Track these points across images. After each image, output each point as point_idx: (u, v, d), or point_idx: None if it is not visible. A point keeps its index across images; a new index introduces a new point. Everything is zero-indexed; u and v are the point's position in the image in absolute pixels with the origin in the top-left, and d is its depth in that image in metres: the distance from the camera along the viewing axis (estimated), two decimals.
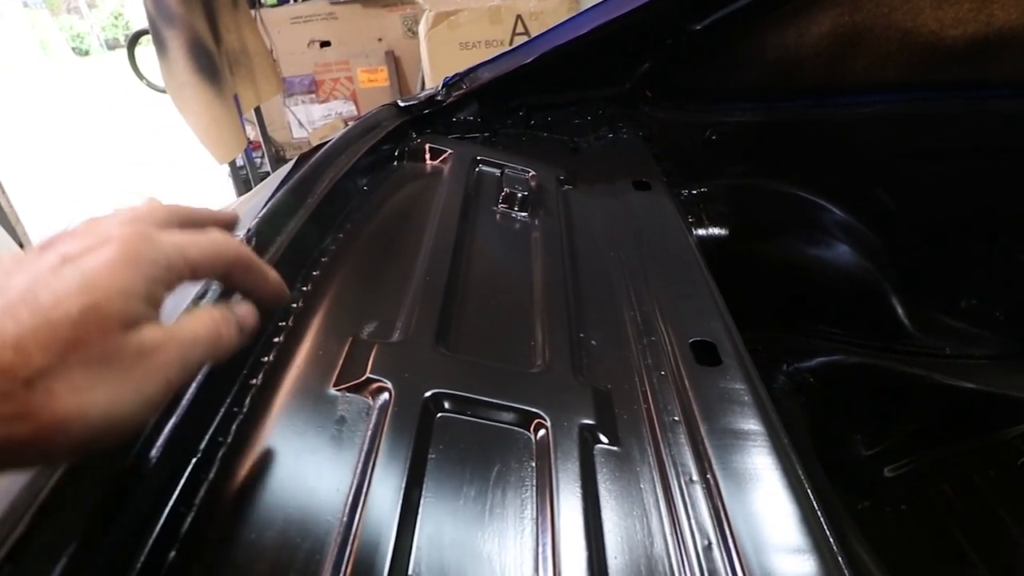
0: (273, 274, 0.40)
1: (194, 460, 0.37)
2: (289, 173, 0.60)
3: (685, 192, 1.05)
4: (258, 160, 2.92)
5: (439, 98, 0.86)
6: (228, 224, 0.41)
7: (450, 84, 0.87)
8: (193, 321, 0.34)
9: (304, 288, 0.54)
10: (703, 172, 1.05)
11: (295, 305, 0.52)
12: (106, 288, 0.28)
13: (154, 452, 0.35)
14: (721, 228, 1.07)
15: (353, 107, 3.11)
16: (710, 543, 0.39)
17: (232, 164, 2.47)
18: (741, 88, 1.01)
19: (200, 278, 0.35)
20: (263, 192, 0.60)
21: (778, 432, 0.48)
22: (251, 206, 0.58)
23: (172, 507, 0.35)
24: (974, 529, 1.07)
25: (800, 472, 0.44)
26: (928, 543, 1.07)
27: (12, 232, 2.68)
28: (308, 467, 0.39)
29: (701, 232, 1.05)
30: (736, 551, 0.38)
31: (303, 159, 0.65)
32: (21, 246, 2.71)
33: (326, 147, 0.67)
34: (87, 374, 0.27)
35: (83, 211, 3.57)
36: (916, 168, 1.09)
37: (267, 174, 2.99)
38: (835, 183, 1.10)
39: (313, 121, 3.13)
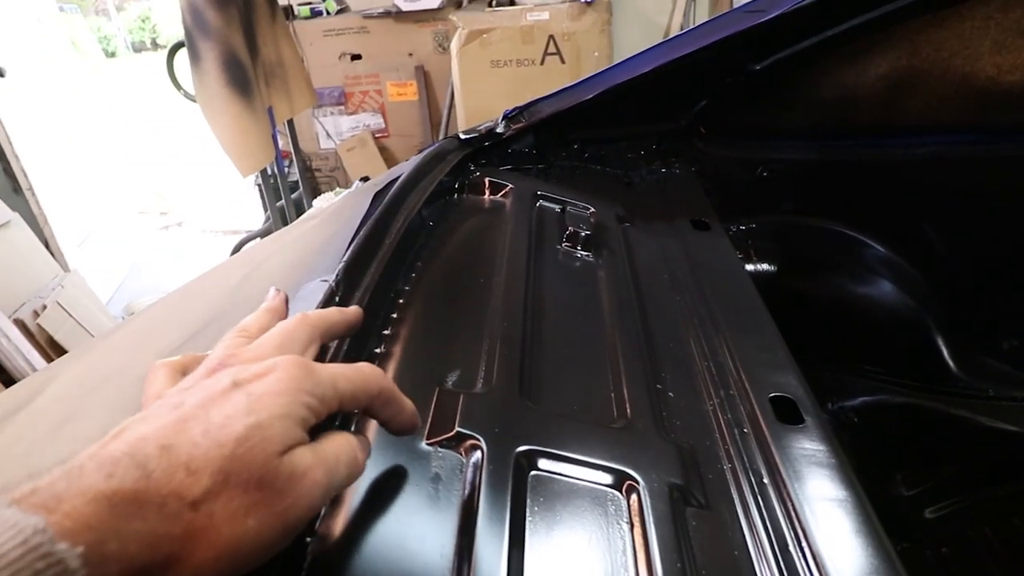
0: (409, 405, 0.41)
1: None
2: (368, 211, 0.61)
3: (733, 228, 1.05)
4: (287, 169, 2.94)
5: (499, 131, 0.86)
6: (356, 323, 0.45)
7: (510, 117, 0.87)
8: (335, 445, 0.34)
9: (384, 332, 0.54)
10: (752, 208, 1.05)
11: (377, 350, 0.52)
12: (269, 411, 0.30)
13: None
14: (768, 264, 1.07)
15: (381, 120, 3.13)
16: None
17: (263, 173, 2.49)
18: (795, 126, 1.00)
19: (346, 409, 0.36)
20: (341, 228, 0.60)
21: (864, 500, 0.47)
22: (330, 243, 0.58)
23: (278, 571, 0.35)
24: (1016, 574, 1.05)
25: (889, 544, 0.44)
26: None
27: (40, 234, 2.71)
28: (409, 528, 0.38)
29: (749, 268, 1.05)
30: None
31: (379, 196, 0.65)
32: (47, 247, 2.74)
33: (399, 183, 0.67)
34: (244, 497, 0.28)
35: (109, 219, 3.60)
36: (965, 209, 1.08)
37: (296, 183, 3.01)
38: (884, 221, 1.10)
39: (341, 133, 3.15)
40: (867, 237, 1.11)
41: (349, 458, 0.35)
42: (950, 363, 1.12)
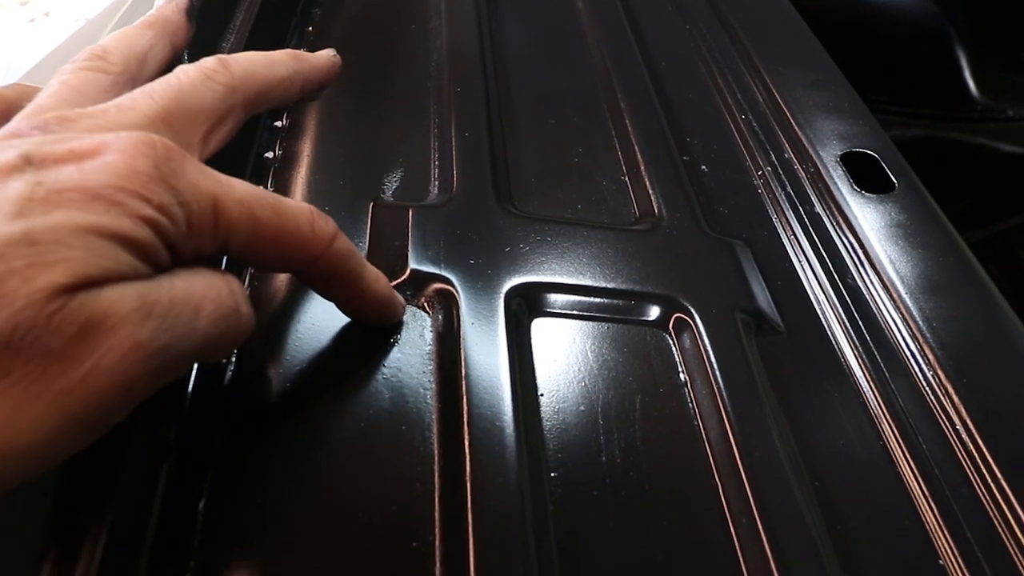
0: (374, 284, 0.25)
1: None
2: None
3: None
4: None
5: None
6: (328, 75, 0.27)
7: None
8: (191, 282, 0.19)
9: (276, 124, 0.35)
10: None
11: (268, 155, 0.34)
12: (59, 219, 0.16)
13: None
14: None
15: None
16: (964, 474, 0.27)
17: None
18: None
19: (234, 252, 0.20)
20: None
21: (988, 284, 0.34)
22: None
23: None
24: (1020, 311, 1.01)
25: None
26: None
27: None
28: (367, 451, 0.24)
29: None
30: (987, 469, 0.26)
31: None
32: None
33: None
34: None
35: None
36: None
37: None
38: None
39: None
40: None
41: (216, 304, 0.19)
42: (970, 83, 0.97)
